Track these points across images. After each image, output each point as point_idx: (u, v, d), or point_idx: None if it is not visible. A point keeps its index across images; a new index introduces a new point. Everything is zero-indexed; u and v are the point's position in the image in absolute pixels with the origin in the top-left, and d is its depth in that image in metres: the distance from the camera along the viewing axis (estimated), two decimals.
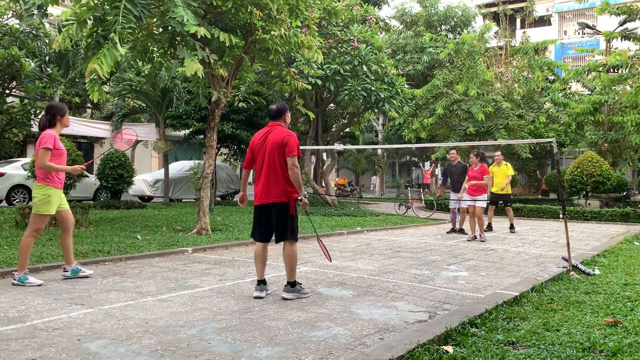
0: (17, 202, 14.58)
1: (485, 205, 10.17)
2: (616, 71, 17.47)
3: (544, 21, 36.88)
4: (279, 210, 4.93)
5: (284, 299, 4.91)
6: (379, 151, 33.16)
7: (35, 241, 7.71)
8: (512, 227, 11.96)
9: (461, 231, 11.20)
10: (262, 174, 5.00)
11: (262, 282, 5.06)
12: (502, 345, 3.61)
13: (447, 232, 11.45)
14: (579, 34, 34.22)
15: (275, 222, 4.97)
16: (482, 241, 9.89)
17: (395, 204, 18.02)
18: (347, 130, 22.84)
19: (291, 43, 9.38)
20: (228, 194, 20.18)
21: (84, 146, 25.75)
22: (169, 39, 9.31)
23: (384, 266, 6.94)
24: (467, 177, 10.18)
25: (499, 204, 12.44)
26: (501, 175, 11.68)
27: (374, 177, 36.99)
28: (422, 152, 31.27)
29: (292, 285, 4.99)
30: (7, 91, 12.42)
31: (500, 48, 23.23)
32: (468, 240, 10.04)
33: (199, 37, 7.76)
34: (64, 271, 5.74)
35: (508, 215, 12.26)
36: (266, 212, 5.01)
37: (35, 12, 10.18)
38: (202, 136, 18.44)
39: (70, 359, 3.27)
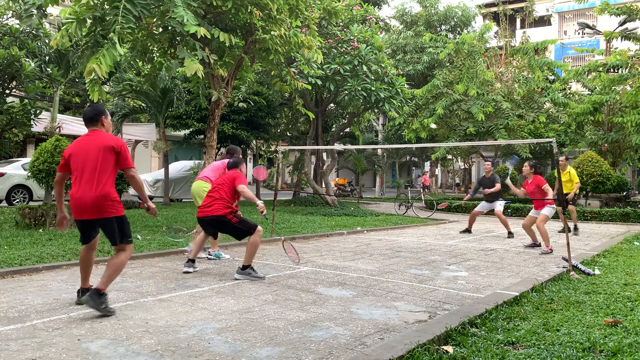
0: (17, 202, 14.58)
1: (549, 215, 8.65)
2: (616, 71, 17.45)
3: (544, 21, 36.89)
4: None
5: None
6: (379, 151, 33.17)
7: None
8: (575, 228, 11.25)
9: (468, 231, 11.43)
10: None
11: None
12: (502, 345, 3.61)
13: (461, 232, 11.58)
14: (579, 34, 34.22)
15: None
16: (547, 252, 8.36)
17: (395, 204, 18.02)
18: (347, 130, 22.84)
19: (291, 43, 9.38)
20: None
21: None
22: (169, 39, 9.31)
23: (384, 266, 6.94)
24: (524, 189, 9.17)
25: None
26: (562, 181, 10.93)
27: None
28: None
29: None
30: (7, 91, 12.41)
31: (500, 48, 23.23)
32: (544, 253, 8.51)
33: (199, 37, 7.76)
34: None
35: (572, 217, 11.30)
36: None
37: (35, 12, 10.19)
38: (202, 136, 18.45)
39: (70, 359, 3.27)
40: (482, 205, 11.16)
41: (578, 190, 11.23)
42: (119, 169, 4.45)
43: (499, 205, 10.79)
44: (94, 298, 4.20)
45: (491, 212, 11.45)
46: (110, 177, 4.36)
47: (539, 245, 9.03)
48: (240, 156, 6.68)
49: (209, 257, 7.26)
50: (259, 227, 5.98)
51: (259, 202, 6.05)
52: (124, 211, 4.44)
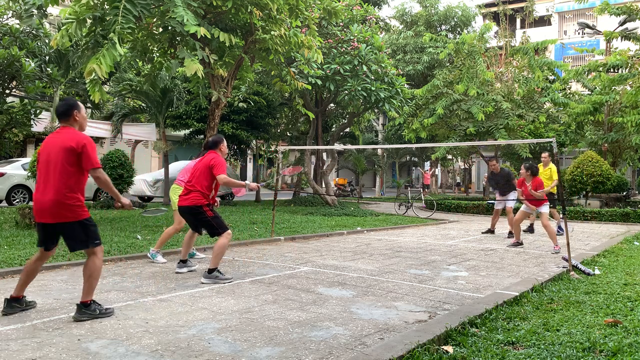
0: (17, 202, 14.58)
1: (547, 210, 8.80)
2: (616, 71, 17.45)
3: (544, 21, 36.90)
4: None
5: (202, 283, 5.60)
6: (379, 151, 33.18)
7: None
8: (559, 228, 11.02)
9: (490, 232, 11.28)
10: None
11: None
12: (502, 345, 3.61)
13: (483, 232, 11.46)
14: (579, 34, 34.23)
15: None
16: (558, 252, 8.31)
17: (395, 204, 18.02)
18: (347, 130, 22.85)
19: (291, 43, 9.39)
20: (228, 193, 20.18)
21: None
22: (169, 39, 9.32)
23: (384, 266, 6.94)
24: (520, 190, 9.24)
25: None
26: (542, 177, 10.53)
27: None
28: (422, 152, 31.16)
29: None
30: (7, 91, 12.42)
31: (500, 48, 23.21)
32: (513, 245, 9.20)
33: (199, 37, 7.77)
34: None
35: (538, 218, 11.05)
36: None
37: (35, 12, 10.21)
38: (202, 136, 18.45)
39: (70, 359, 3.28)
40: (499, 203, 11.02)
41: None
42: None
43: (512, 202, 10.65)
44: (83, 312, 4.11)
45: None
46: (70, 179, 4.10)
47: (521, 244, 9.21)
48: (224, 147, 6.02)
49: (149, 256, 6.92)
50: (229, 231, 5.80)
51: (248, 182, 5.99)
52: (88, 214, 4.20)
